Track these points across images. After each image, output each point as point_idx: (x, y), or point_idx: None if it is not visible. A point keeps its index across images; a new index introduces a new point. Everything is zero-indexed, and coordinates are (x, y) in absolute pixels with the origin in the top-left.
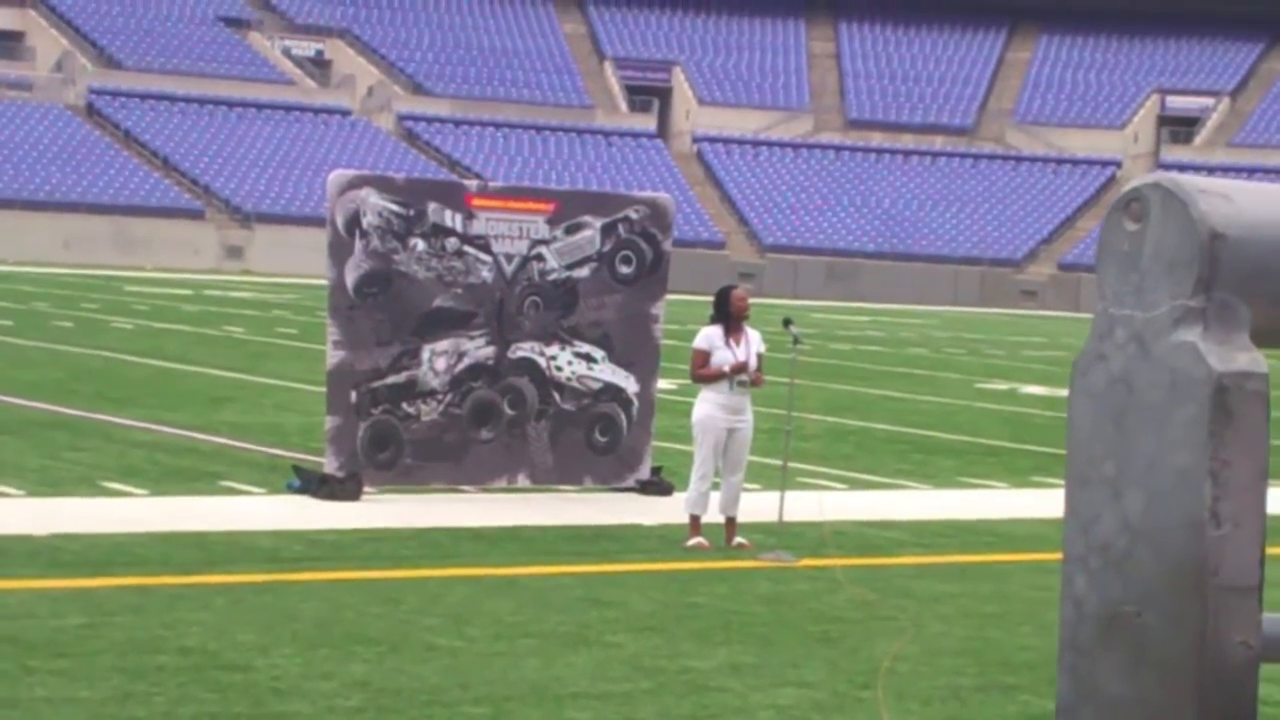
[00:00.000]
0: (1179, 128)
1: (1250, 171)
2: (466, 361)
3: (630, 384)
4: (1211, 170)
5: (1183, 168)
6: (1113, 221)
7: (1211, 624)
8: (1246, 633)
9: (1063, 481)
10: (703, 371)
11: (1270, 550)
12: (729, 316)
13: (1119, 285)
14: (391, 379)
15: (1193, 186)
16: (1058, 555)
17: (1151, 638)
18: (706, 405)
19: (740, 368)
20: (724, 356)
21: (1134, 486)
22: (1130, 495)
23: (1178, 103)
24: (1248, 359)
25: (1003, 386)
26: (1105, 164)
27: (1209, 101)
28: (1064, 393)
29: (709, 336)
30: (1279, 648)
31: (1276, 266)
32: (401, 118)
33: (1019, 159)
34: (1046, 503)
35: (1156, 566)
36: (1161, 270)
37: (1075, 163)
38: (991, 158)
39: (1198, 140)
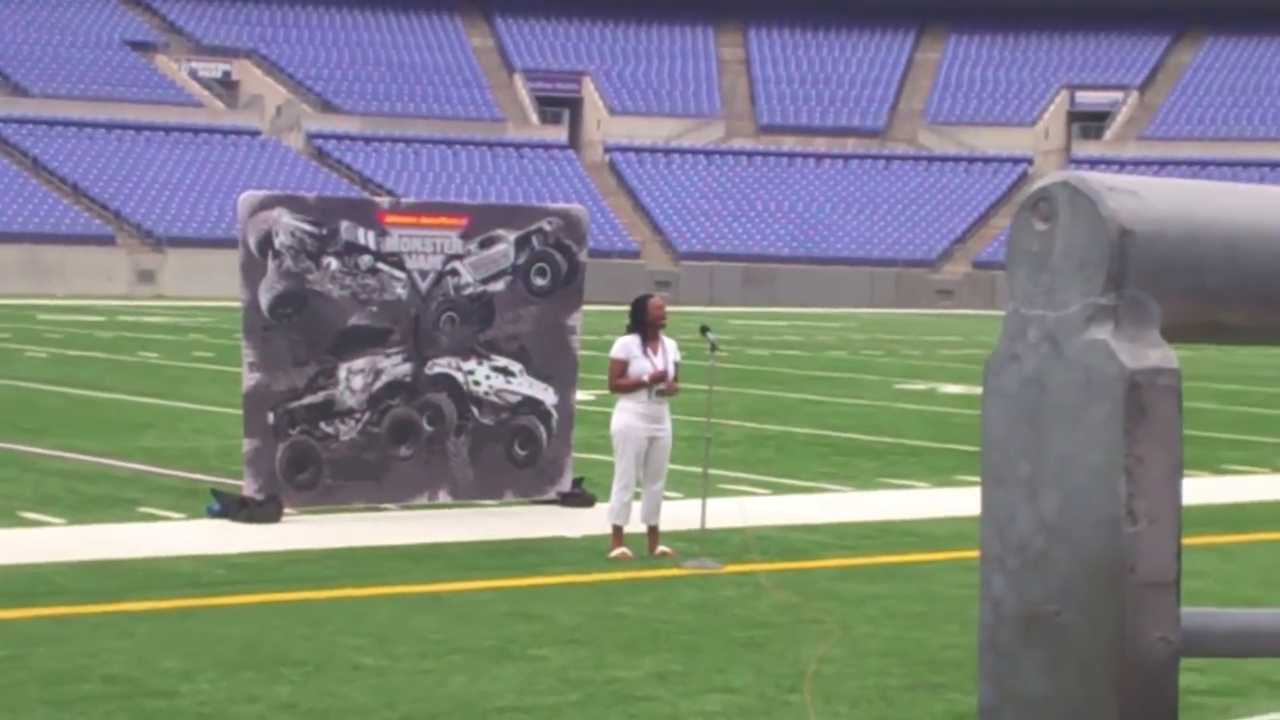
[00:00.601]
0: (1089, 123)
1: (1161, 164)
2: (384, 379)
3: (549, 396)
4: (1123, 164)
5: (1094, 163)
6: (1022, 221)
7: (1130, 621)
8: (1166, 628)
9: None
10: (621, 381)
11: (1186, 542)
12: (646, 325)
13: (1030, 285)
14: (309, 399)
15: (1100, 184)
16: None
17: (1071, 636)
18: (626, 415)
19: (659, 377)
20: (642, 366)
21: (1049, 486)
22: (1046, 494)
23: (1087, 98)
24: (1159, 355)
25: (921, 386)
26: (1017, 161)
27: (1118, 96)
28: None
29: (626, 346)
30: (1198, 642)
31: (1185, 262)
32: (311, 136)
33: (931, 159)
34: (968, 501)
35: (1074, 565)
36: (1072, 269)
37: (987, 161)
38: (904, 159)
39: (1108, 135)
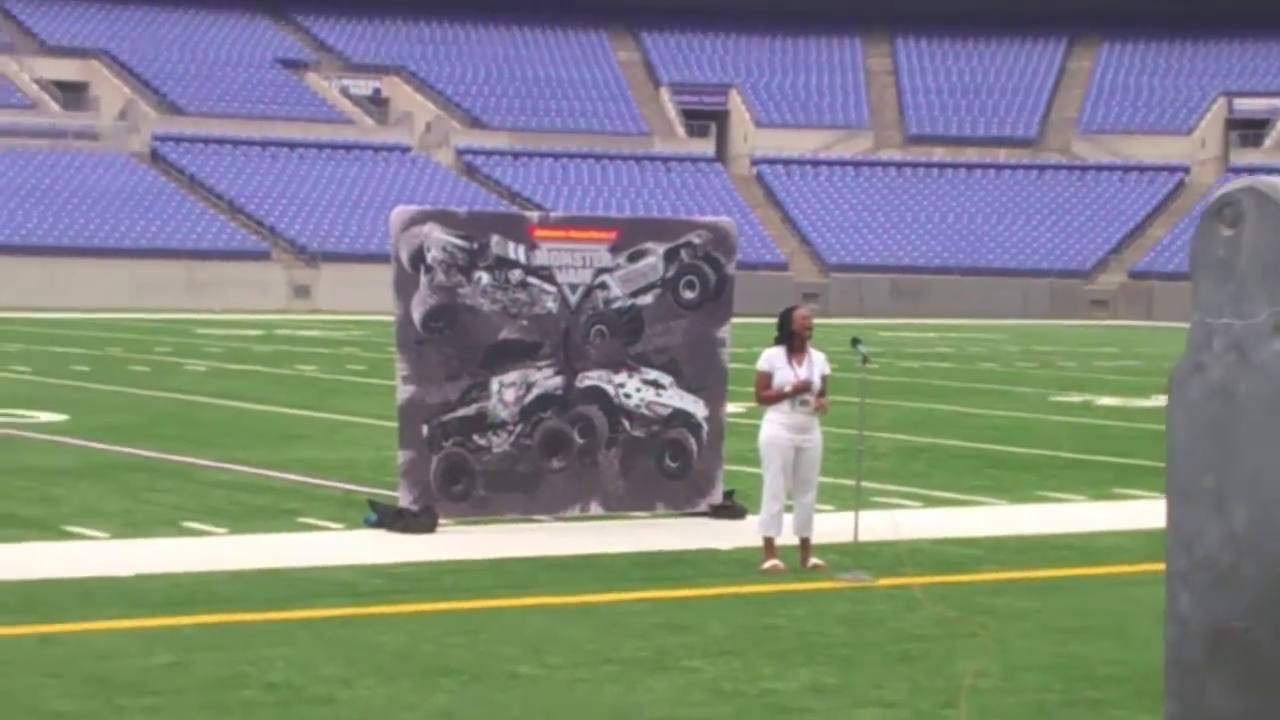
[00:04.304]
0: (1248, 130)
1: None
2: (535, 392)
3: (699, 409)
4: None
5: (1253, 171)
6: (1206, 228)
7: None
8: None
9: (1142, 493)
10: (766, 393)
11: None
12: (792, 336)
13: (1215, 294)
14: (462, 412)
15: None
16: (1140, 568)
17: (1263, 654)
18: (772, 425)
19: (802, 387)
20: (785, 377)
21: (1238, 499)
22: (1234, 508)
23: (1245, 105)
24: None
25: (1077, 399)
26: (1173, 170)
27: (1278, 103)
28: (1139, 403)
29: (770, 358)
30: None
31: None
32: (460, 152)
33: (1084, 168)
34: (1126, 515)
35: (1265, 581)
36: (1259, 276)
37: (1142, 170)
38: (1057, 168)
39: (1268, 143)
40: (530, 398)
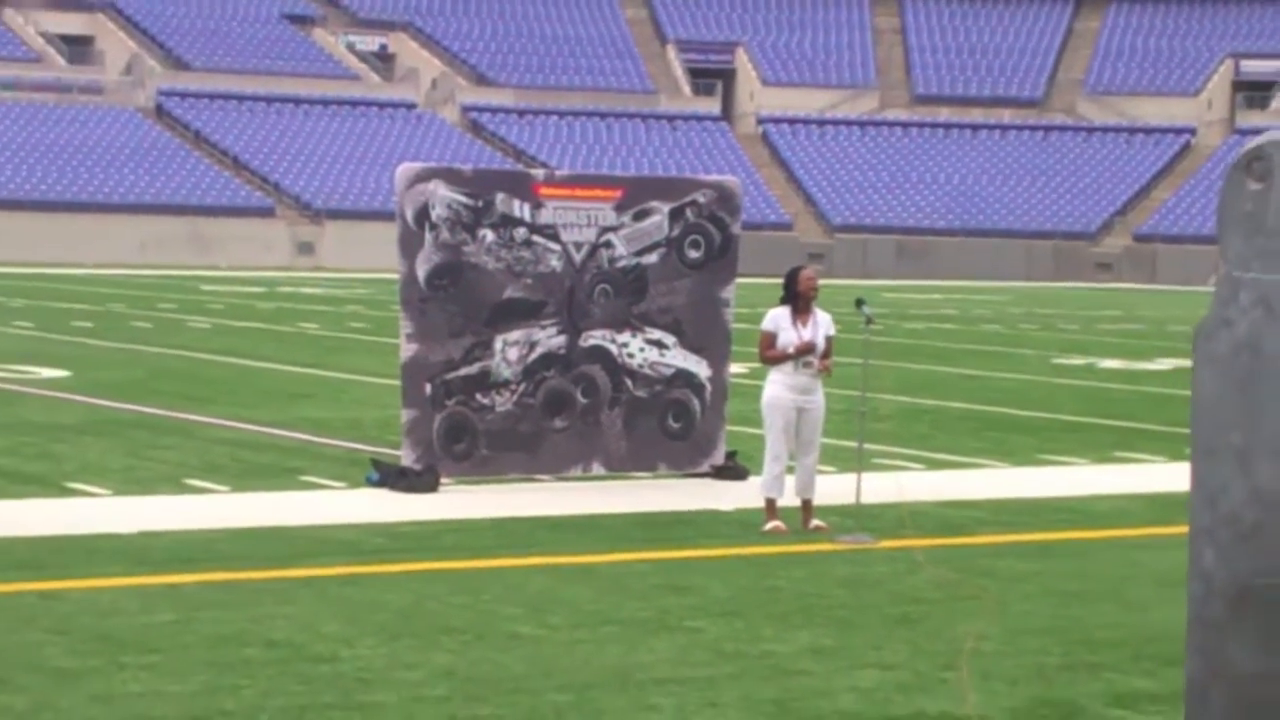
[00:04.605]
0: (1254, 93)
1: None
2: (539, 351)
3: (702, 369)
4: None
5: (1259, 133)
6: (1234, 182)
7: None
8: None
9: (1144, 457)
10: (769, 354)
11: None
12: (797, 297)
13: (1243, 248)
14: (465, 370)
15: None
16: (1140, 531)
17: None
18: (774, 386)
19: (806, 348)
20: (789, 338)
21: (1264, 456)
22: (1260, 465)
23: (1252, 67)
24: None
25: (1080, 361)
26: (1179, 132)
27: None
28: (1142, 366)
29: (775, 318)
30: None
31: None
32: (466, 109)
33: (1090, 129)
34: (1128, 478)
35: None
36: None
37: (1148, 131)
38: (1062, 129)
39: (1274, 104)
40: (533, 357)
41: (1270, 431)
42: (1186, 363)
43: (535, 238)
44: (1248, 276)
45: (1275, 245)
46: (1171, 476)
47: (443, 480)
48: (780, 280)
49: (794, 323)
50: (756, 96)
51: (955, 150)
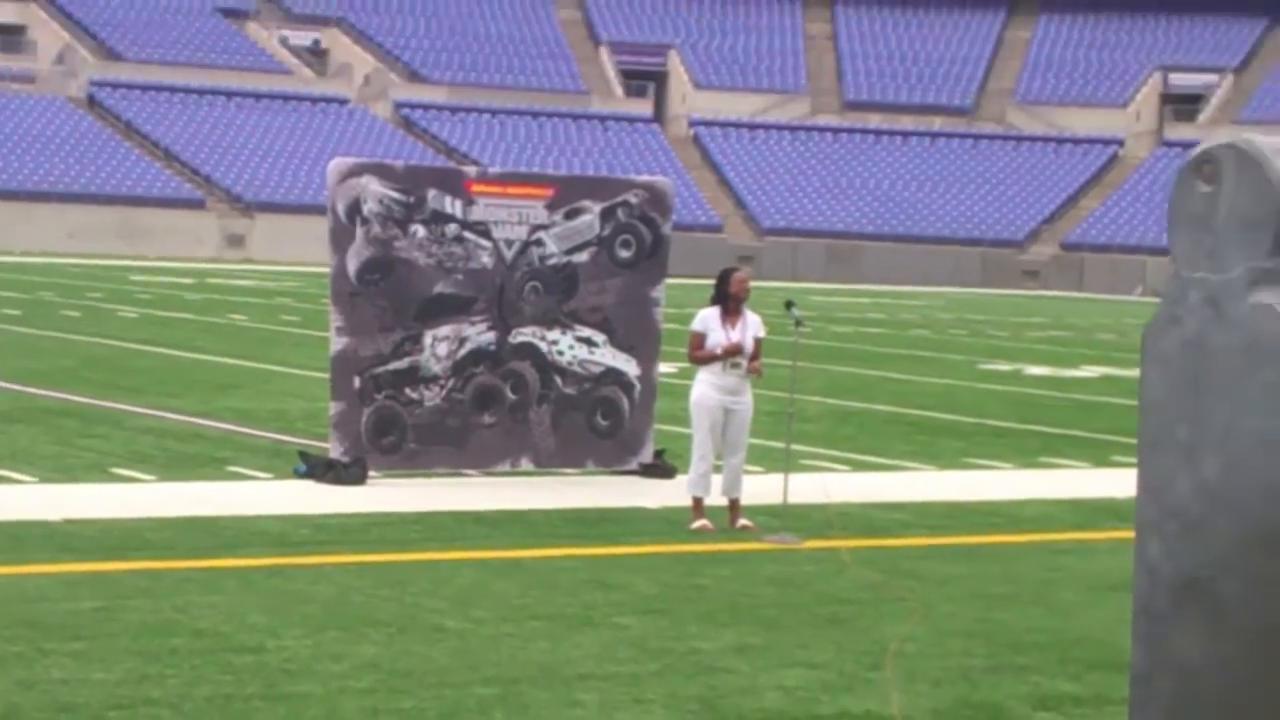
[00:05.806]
0: (1182, 105)
1: None
2: (468, 347)
3: (631, 368)
4: None
5: (1186, 146)
6: (1185, 184)
7: None
8: None
9: (1070, 463)
10: (698, 354)
11: None
12: (729, 298)
13: (1191, 248)
14: (394, 365)
15: (1268, 147)
16: (1066, 536)
17: (1231, 604)
18: (702, 386)
19: (734, 350)
20: (718, 338)
21: (1210, 451)
22: (1206, 460)
23: (1181, 80)
24: None
25: (1006, 367)
26: (1107, 143)
27: (1213, 78)
28: (1069, 373)
29: (705, 319)
30: None
31: None
32: (398, 105)
33: (1020, 139)
34: (1054, 483)
35: (1235, 532)
36: (1236, 232)
37: (1077, 142)
38: (992, 138)
39: (1202, 118)
40: (463, 352)
41: (1216, 427)
42: (1112, 370)
43: (466, 234)
44: (1196, 276)
45: (1222, 246)
46: (1096, 482)
47: (370, 473)
48: (710, 281)
49: (724, 324)
50: (688, 99)
51: (885, 156)
